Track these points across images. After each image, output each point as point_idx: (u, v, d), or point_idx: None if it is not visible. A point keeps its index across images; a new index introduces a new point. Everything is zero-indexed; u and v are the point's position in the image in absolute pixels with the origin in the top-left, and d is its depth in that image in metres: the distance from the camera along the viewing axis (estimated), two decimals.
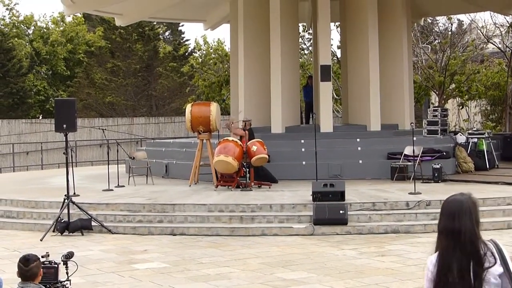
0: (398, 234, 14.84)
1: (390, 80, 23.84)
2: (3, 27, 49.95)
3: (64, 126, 15.81)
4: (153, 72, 48.24)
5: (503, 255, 4.00)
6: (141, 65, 47.47)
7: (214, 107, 19.71)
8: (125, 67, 47.04)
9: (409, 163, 19.75)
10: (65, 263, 5.55)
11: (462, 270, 3.85)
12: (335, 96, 35.62)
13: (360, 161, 20.86)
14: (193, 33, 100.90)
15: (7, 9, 52.71)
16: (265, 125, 22.70)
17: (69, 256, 5.59)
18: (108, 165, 20.51)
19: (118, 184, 20.12)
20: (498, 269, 3.94)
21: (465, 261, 3.87)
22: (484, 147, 22.34)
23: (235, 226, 15.39)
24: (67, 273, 5.52)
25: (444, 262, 3.90)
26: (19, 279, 5.37)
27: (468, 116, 38.43)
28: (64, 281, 5.46)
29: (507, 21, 34.95)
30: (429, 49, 38.41)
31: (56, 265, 5.44)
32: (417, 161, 19.56)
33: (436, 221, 14.06)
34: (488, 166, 21.85)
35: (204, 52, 50.21)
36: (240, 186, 18.63)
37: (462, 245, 3.87)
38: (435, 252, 4.03)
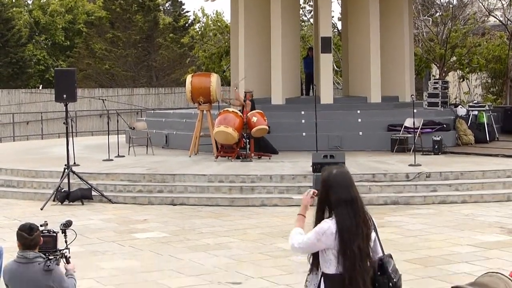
0: (398, 205, 14.85)
1: (391, 52, 23.70)
2: None
3: (64, 96, 15.78)
4: (153, 43, 48.04)
5: (374, 222, 4.64)
6: (141, 36, 47.25)
7: (214, 78, 19.64)
8: (125, 37, 46.83)
9: (409, 135, 19.73)
10: (64, 232, 5.53)
11: (361, 234, 4.45)
12: (335, 68, 35.44)
13: (360, 133, 20.82)
14: (193, 4, 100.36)
15: None
16: (265, 96, 22.63)
17: (67, 224, 5.56)
18: (108, 135, 20.48)
19: (118, 154, 20.08)
20: (373, 234, 4.60)
21: (360, 225, 4.46)
22: (485, 120, 22.27)
23: (235, 196, 15.41)
24: (66, 241, 5.49)
25: (344, 227, 4.43)
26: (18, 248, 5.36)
27: (469, 89, 38.33)
28: (63, 250, 5.44)
29: None
30: (430, 22, 38.21)
31: (55, 234, 5.42)
32: (417, 133, 19.52)
33: (436, 193, 14.05)
34: (488, 139, 21.81)
35: (203, 24, 49.98)
36: (240, 157, 18.61)
37: (357, 212, 4.48)
38: (316, 222, 4.58)
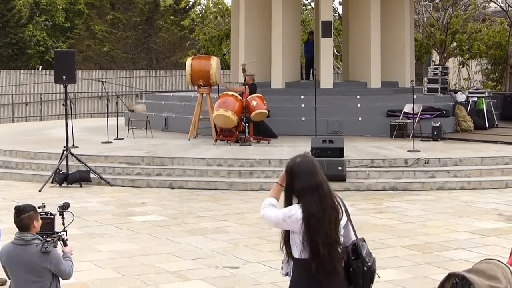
0: (396, 191, 14.86)
1: (391, 37, 23.66)
2: None
3: (64, 77, 15.76)
4: (154, 25, 47.91)
5: (346, 206, 4.64)
6: (141, 17, 47.11)
7: (214, 61, 19.59)
8: (126, 19, 46.69)
9: (409, 121, 19.72)
10: (61, 214, 5.51)
11: (327, 220, 4.45)
12: (335, 52, 35.36)
13: (360, 118, 20.81)
14: None
15: None
16: (265, 80, 22.59)
17: (65, 207, 5.55)
18: (107, 117, 20.45)
19: (117, 137, 20.06)
20: (344, 219, 4.58)
21: (328, 211, 4.47)
22: (484, 106, 22.28)
23: (233, 180, 15.42)
24: (63, 224, 5.48)
25: (310, 214, 4.43)
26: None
27: (469, 75, 38.26)
28: (60, 232, 5.43)
29: None
30: (431, 7, 38.09)
31: (52, 216, 5.41)
32: (417, 119, 19.52)
33: (434, 179, 14.04)
34: (487, 125, 21.83)
35: (204, 7, 49.82)
36: (239, 141, 18.61)
37: (323, 198, 4.47)
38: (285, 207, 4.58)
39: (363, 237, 4.72)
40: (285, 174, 4.64)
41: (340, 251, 4.51)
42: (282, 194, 4.74)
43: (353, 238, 4.64)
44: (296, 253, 4.52)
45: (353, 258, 4.56)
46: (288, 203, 4.62)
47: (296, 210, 4.52)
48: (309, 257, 4.46)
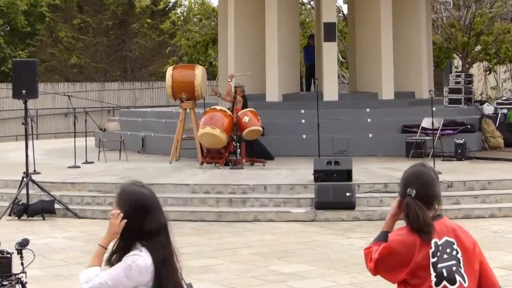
0: None
1: (406, 40, 23.72)
2: None
3: (23, 91, 15.73)
4: (128, 29, 47.98)
5: None
6: (113, 21, 47.18)
7: (199, 71, 19.64)
8: (95, 23, 46.77)
9: (428, 138, 19.79)
10: (20, 252, 5.46)
11: (176, 266, 4.38)
12: (340, 58, 35.46)
13: (370, 135, 20.88)
14: None
15: None
16: (259, 92, 22.59)
17: (23, 244, 5.49)
18: (74, 137, 20.36)
19: (86, 160, 20.11)
20: None
21: (175, 254, 4.43)
22: None
23: (223, 210, 15.48)
24: (22, 264, 5.42)
25: (161, 260, 4.27)
26: None
27: (497, 83, 38.35)
28: (18, 274, 5.37)
29: None
30: (451, 5, 38.24)
31: (9, 255, 5.35)
32: (437, 135, 19.52)
33: (459, 206, 14.00)
34: None
35: (186, 8, 49.91)
36: (230, 164, 18.67)
37: (169, 240, 4.40)
38: (120, 255, 4.32)
39: (190, 283, 4.63)
40: (123, 209, 4.33)
41: None
42: None
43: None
44: None
45: None
46: (124, 244, 4.34)
47: (143, 258, 4.26)
48: None
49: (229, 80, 20.13)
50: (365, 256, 4.65)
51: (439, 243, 4.44)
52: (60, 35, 47.92)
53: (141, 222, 4.28)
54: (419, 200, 4.47)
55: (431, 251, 4.40)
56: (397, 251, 4.44)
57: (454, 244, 4.48)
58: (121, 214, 4.31)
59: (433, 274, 4.37)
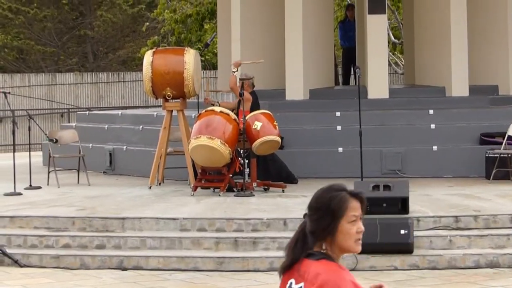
0: (499, 269, 14.82)
1: (485, 16, 23.67)
2: None
3: None
4: None
5: None
6: None
7: (190, 57, 19.55)
8: None
9: None
10: None
11: None
12: (392, 39, 35.53)
13: (435, 148, 20.78)
14: None
15: None
16: (276, 87, 22.64)
17: None
18: (13, 152, 20.35)
19: (30, 185, 20.08)
20: None
21: None
22: None
23: (225, 255, 15.40)
24: None
25: None
26: None
27: None
28: None
29: None
30: None
31: None
32: None
33: None
34: None
35: None
36: (235, 189, 18.57)
37: None
38: None
39: None
40: None
41: None
42: None
43: None
44: None
45: None
46: None
47: None
48: None
49: (234, 70, 20.09)
50: None
51: (293, 286, 5.17)
52: None
53: None
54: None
55: None
56: None
57: None
58: None
59: None
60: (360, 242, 5.65)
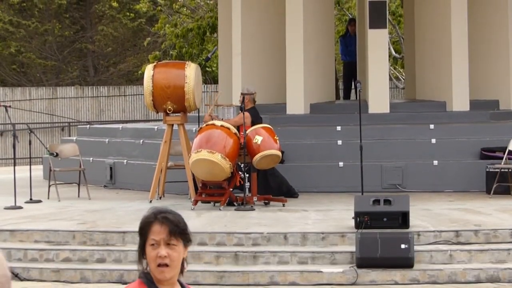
0: (499, 283, 14.84)
1: (485, 30, 23.73)
2: None
3: None
4: (90, 11, 48.12)
5: None
6: (69, 0, 47.31)
7: (191, 71, 19.68)
8: (43, 3, 46.92)
9: None
10: None
11: None
12: (393, 53, 35.53)
13: (435, 162, 20.98)
14: None
15: None
16: (276, 101, 22.67)
17: None
18: (14, 166, 20.44)
19: (30, 199, 20.25)
20: None
21: None
22: None
23: (225, 269, 15.57)
24: None
25: None
26: None
27: None
28: None
29: None
30: None
31: None
32: None
33: None
34: None
35: None
36: (235, 203, 18.71)
37: None
38: None
39: None
40: None
41: None
42: None
43: None
44: None
45: None
46: None
47: None
48: None
49: (213, 114, 19.97)
50: None
51: None
52: None
53: None
54: None
55: None
56: None
57: None
58: None
59: None
60: (164, 269, 5.77)
